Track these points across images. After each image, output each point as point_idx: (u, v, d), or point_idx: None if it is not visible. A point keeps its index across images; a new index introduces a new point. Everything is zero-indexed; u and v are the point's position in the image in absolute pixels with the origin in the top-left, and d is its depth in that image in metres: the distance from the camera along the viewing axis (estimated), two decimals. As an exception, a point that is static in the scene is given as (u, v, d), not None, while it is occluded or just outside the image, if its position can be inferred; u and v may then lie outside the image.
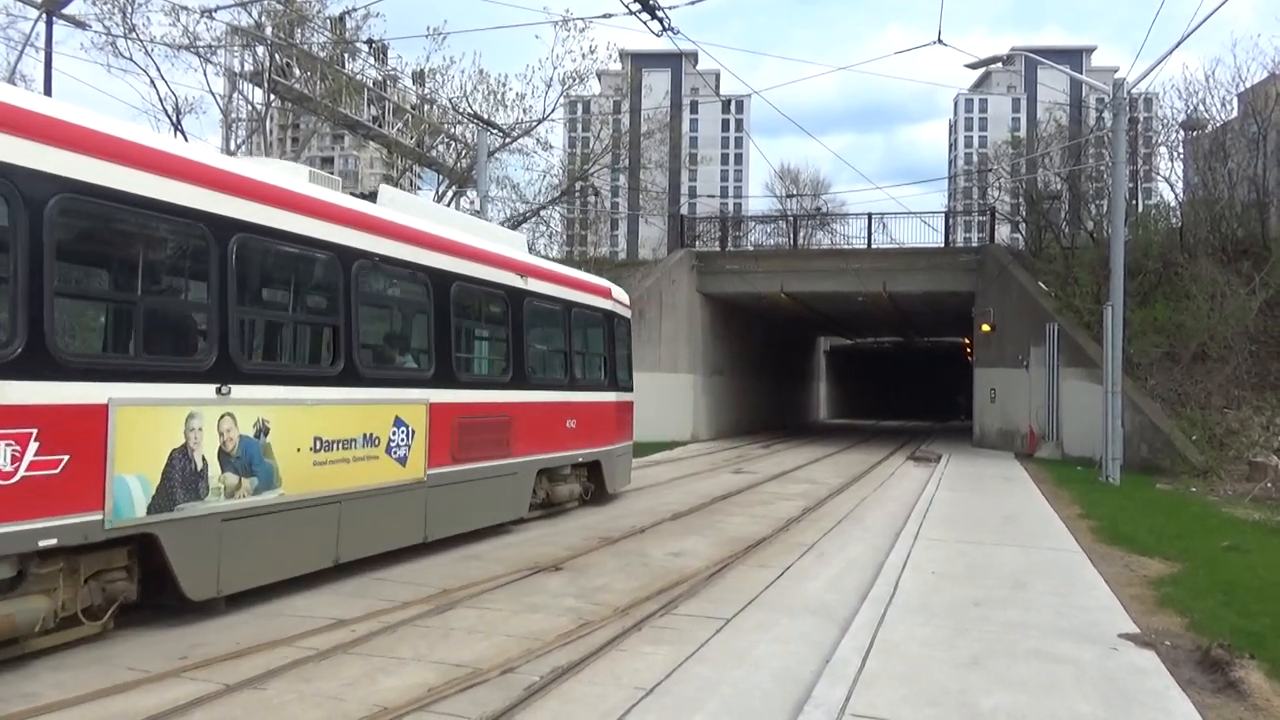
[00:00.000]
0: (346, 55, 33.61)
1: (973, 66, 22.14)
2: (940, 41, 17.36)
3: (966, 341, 38.48)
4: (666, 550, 10.22)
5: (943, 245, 31.74)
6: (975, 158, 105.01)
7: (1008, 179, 37.74)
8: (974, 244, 37.27)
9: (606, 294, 14.19)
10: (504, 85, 31.68)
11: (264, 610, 7.22)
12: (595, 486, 13.81)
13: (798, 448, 29.43)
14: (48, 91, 27.95)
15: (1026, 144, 40.03)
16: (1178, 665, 6.00)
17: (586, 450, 13.22)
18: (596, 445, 13.51)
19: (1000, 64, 30.54)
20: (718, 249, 34.15)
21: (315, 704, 5.20)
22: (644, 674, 5.81)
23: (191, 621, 6.80)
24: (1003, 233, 36.87)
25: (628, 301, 15.55)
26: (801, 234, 38.78)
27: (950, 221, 34.71)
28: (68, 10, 25.93)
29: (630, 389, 15.36)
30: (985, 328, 28.60)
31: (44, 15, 26.31)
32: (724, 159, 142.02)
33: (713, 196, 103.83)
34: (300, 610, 7.21)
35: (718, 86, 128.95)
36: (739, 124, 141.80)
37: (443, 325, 9.73)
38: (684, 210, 56.65)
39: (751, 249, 36.44)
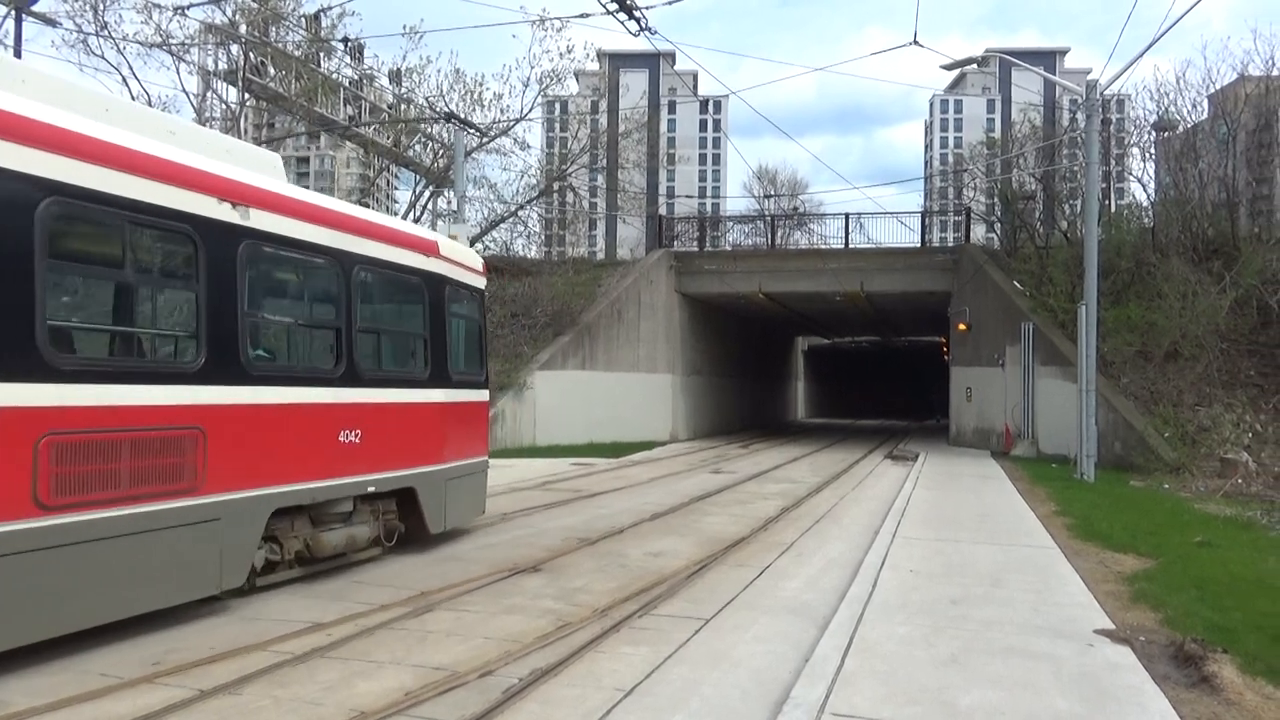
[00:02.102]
0: (322, 54, 33.38)
1: (949, 68, 22.31)
2: (916, 43, 17.48)
3: (943, 341, 38.77)
4: (645, 550, 10.21)
5: (919, 245, 31.98)
6: (951, 158, 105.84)
7: (983, 179, 38.06)
8: (950, 244, 37.56)
9: (431, 250, 10.08)
10: (481, 85, 31.63)
11: (240, 614, 7.14)
12: (414, 523, 9.77)
13: (776, 447, 29.52)
14: (17, 90, 27.41)
15: (1001, 145, 40.38)
16: (1153, 661, 6.06)
17: (386, 474, 9.05)
18: (406, 465, 9.39)
19: (976, 66, 30.81)
20: (696, 249, 34.25)
21: (291, 709, 5.14)
22: (623, 675, 5.79)
23: (166, 626, 6.71)
24: (978, 233, 37.18)
25: (478, 265, 11.65)
26: (779, 234, 38.92)
27: (926, 222, 34.97)
28: (38, 7, 25.59)
29: (480, 385, 11.54)
30: (961, 327, 28.82)
31: (13, 12, 25.95)
32: (702, 159, 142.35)
33: (691, 197, 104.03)
34: (276, 614, 7.13)
35: (695, 87, 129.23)
36: (717, 124, 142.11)
37: (17, 270, 5.70)
38: (662, 210, 56.69)
39: (730, 249, 36.57)
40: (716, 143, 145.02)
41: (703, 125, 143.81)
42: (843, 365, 66.64)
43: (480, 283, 11.65)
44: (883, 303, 35.45)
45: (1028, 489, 16.42)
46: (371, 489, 8.90)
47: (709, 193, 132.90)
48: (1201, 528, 11.83)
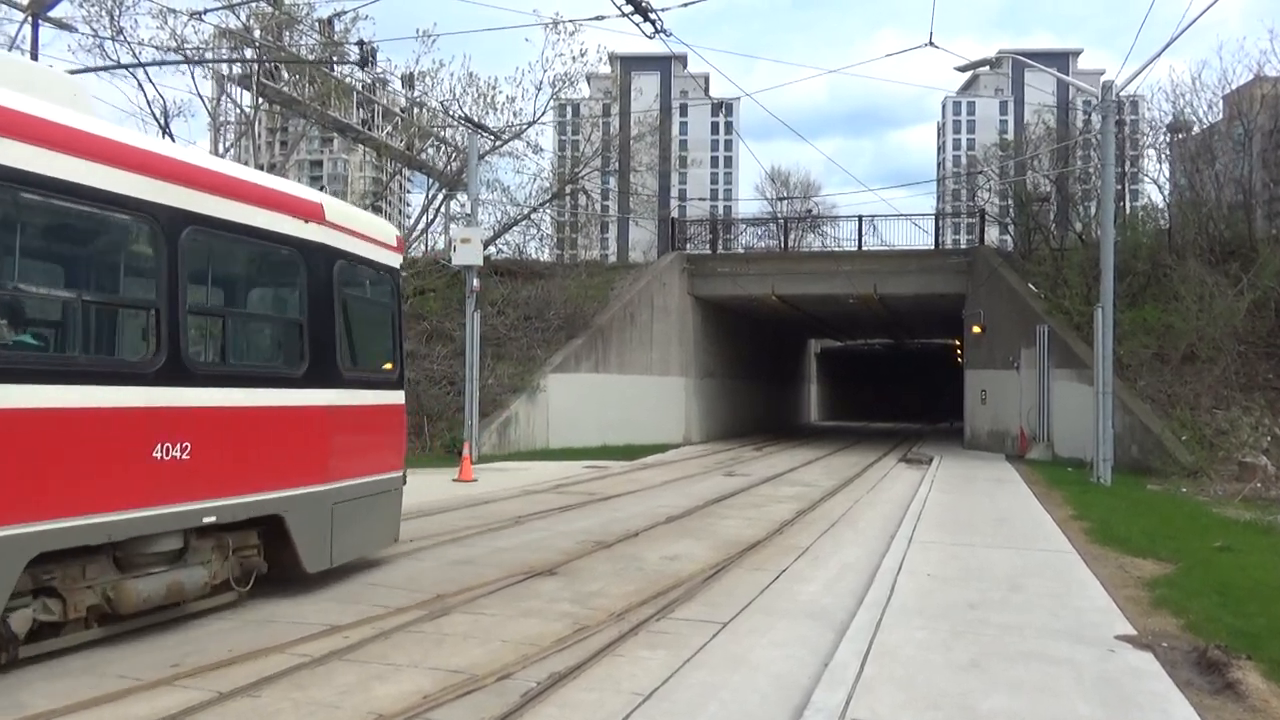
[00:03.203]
0: (335, 58, 33.53)
1: (963, 69, 22.24)
2: (931, 44, 17.45)
3: (957, 343, 38.61)
4: (661, 554, 10.19)
5: (933, 247, 31.86)
6: (964, 160, 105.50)
7: (997, 181, 37.91)
8: (963, 246, 37.42)
9: (312, 214, 7.97)
10: (494, 88, 31.62)
11: (256, 616, 7.16)
12: (287, 557, 7.74)
13: (789, 450, 29.45)
14: (34, 94, 27.63)
15: (1015, 146, 40.22)
16: (1175, 667, 6.00)
17: (234, 499, 7.02)
18: (269, 487, 7.38)
19: (989, 67, 30.67)
20: (708, 252, 34.18)
21: (310, 712, 5.14)
22: (642, 679, 5.77)
23: (184, 628, 6.74)
24: (992, 235, 37.03)
25: (389, 238, 9.36)
26: (792, 236, 38.86)
27: (940, 224, 34.84)
28: (54, 13, 25.78)
29: (391, 384, 9.45)
30: (976, 329, 28.69)
31: (30, 18, 26.15)
32: (714, 162, 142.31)
33: (703, 200, 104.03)
34: (293, 616, 7.15)
35: (707, 88, 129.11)
36: (729, 127, 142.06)
37: None
38: (674, 213, 56.72)
39: (742, 251, 36.50)
40: (728, 145, 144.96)
41: (714, 128, 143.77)
42: (855, 367, 66.46)
43: (393, 260, 9.37)
44: (896, 305, 35.33)
45: (1044, 493, 16.32)
46: (211, 519, 6.79)
47: (720, 195, 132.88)
48: (1221, 532, 11.72)
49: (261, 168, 31.74)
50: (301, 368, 7.94)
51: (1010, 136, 60.48)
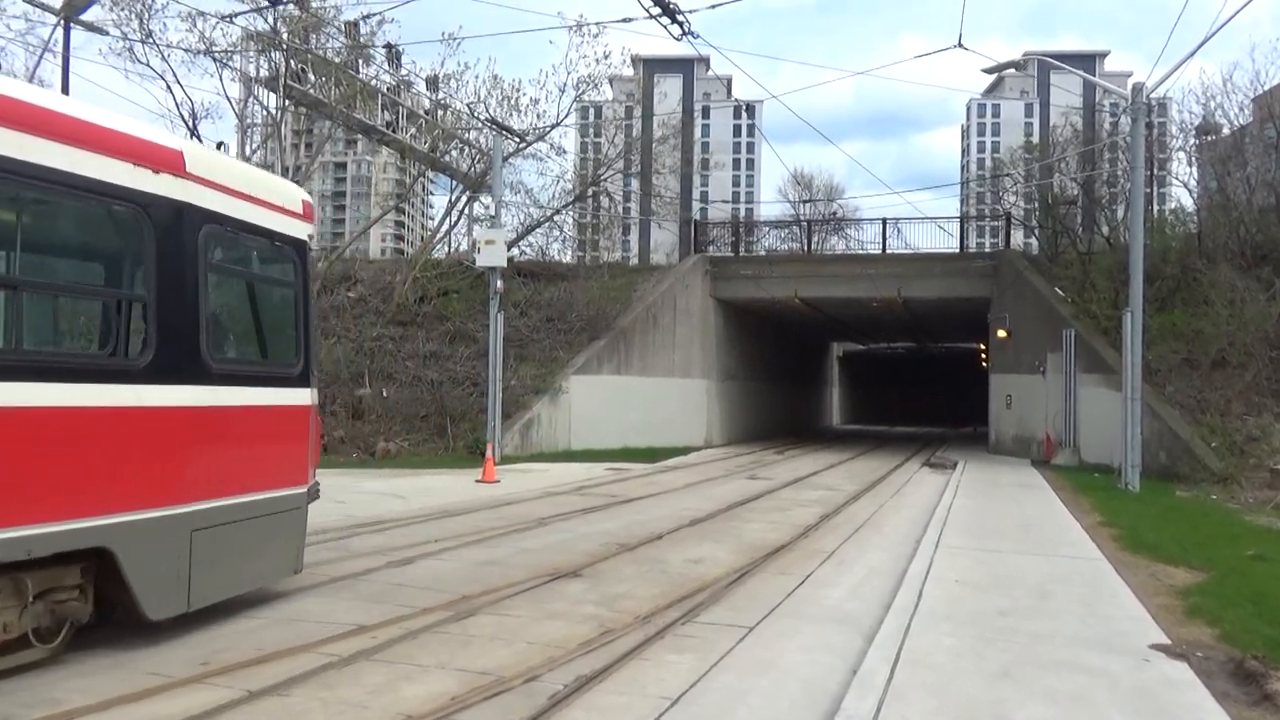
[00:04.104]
0: (360, 60, 33.75)
1: (990, 71, 22.07)
2: (961, 45, 17.28)
3: (981, 347, 38.31)
4: (685, 557, 10.16)
5: (957, 251, 31.65)
6: (988, 163, 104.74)
7: (1023, 184, 37.58)
8: (988, 250, 37.10)
9: (167, 164, 6.31)
10: (518, 90, 31.68)
11: (284, 615, 7.19)
12: (117, 599, 6.13)
13: (812, 453, 29.31)
14: (65, 93, 28.14)
15: (1041, 149, 39.85)
16: (1212, 677, 5.90)
17: (27, 529, 5.38)
18: (86, 511, 5.72)
19: (1015, 69, 30.45)
20: (731, 254, 34.10)
21: (339, 712, 5.15)
22: (669, 683, 5.74)
23: (211, 626, 6.77)
24: (1017, 238, 36.71)
25: (293, 203, 7.66)
26: (815, 239, 38.68)
27: (964, 227, 34.58)
28: (86, 16, 26.12)
29: (289, 380, 7.65)
30: (1001, 334, 28.45)
31: (62, 21, 26.51)
32: (736, 164, 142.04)
33: (725, 202, 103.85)
34: (320, 615, 7.17)
35: (729, 91, 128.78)
36: (751, 129, 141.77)
37: None
38: (696, 215, 56.63)
39: (764, 254, 36.38)
40: (750, 148, 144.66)
41: (737, 130, 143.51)
42: (878, 371, 66.11)
43: (297, 229, 7.65)
44: (920, 308, 35.11)
45: (1071, 498, 16.14)
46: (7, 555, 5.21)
47: (743, 198, 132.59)
48: (1254, 540, 11.54)
49: (287, 169, 32.03)
50: (144, 358, 6.16)
51: (1035, 139, 60.02)
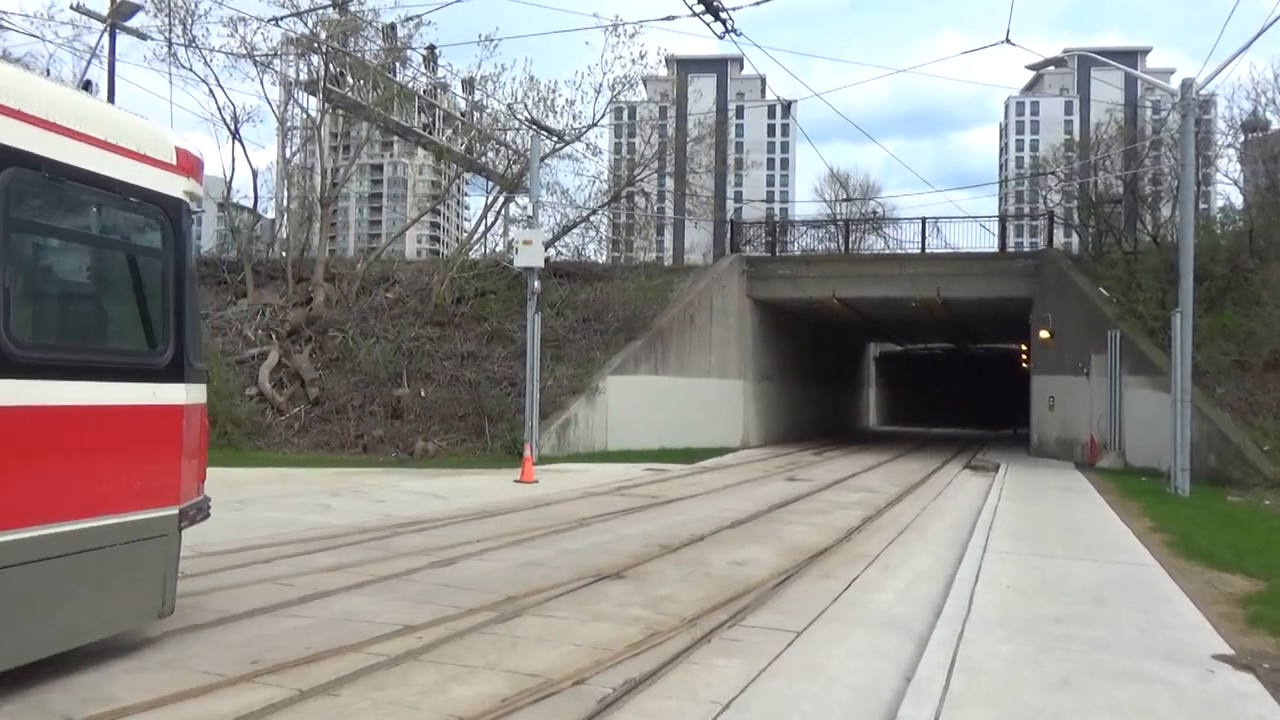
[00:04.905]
0: (398, 63, 34.01)
1: (1034, 68, 21.73)
2: (1008, 41, 17.02)
3: (1023, 348, 37.74)
4: (728, 559, 10.06)
5: (998, 250, 31.19)
6: (1027, 161, 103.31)
7: (1065, 182, 36.97)
8: (1028, 249, 36.52)
9: None
10: (554, 91, 31.72)
11: (330, 615, 7.20)
12: None
13: (850, 455, 29.05)
14: (110, 100, 28.68)
15: (1082, 146, 39.15)
16: (1280, 690, 5.71)
17: None
18: None
19: (1057, 66, 29.97)
20: (767, 254, 33.89)
21: (390, 712, 5.14)
22: (719, 688, 5.67)
23: (259, 624, 6.80)
24: (1058, 237, 36.10)
25: (157, 151, 6.11)
26: (853, 238, 38.32)
27: (1004, 226, 34.08)
28: (131, 22, 26.58)
29: (149, 374, 6.05)
30: (1044, 334, 28.00)
31: (109, 28, 27.00)
32: (770, 164, 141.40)
33: (760, 201, 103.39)
34: (366, 615, 7.17)
35: (764, 91, 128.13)
36: (786, 129, 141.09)
37: None
38: (731, 215, 56.39)
39: (801, 254, 36.14)
40: (785, 147, 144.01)
41: (771, 130, 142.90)
42: (916, 372, 65.43)
43: (168, 184, 6.14)
44: (959, 309, 34.68)
45: (1119, 502, 15.81)
46: None
47: (778, 197, 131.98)
48: (1314, 547, 11.22)
49: (325, 171, 32.38)
50: None
51: (1076, 136, 59.06)
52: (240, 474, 16.86)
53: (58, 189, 5.50)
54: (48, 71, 29.53)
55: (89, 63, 26.77)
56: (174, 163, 6.24)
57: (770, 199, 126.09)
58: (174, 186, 6.21)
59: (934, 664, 5.93)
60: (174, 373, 6.18)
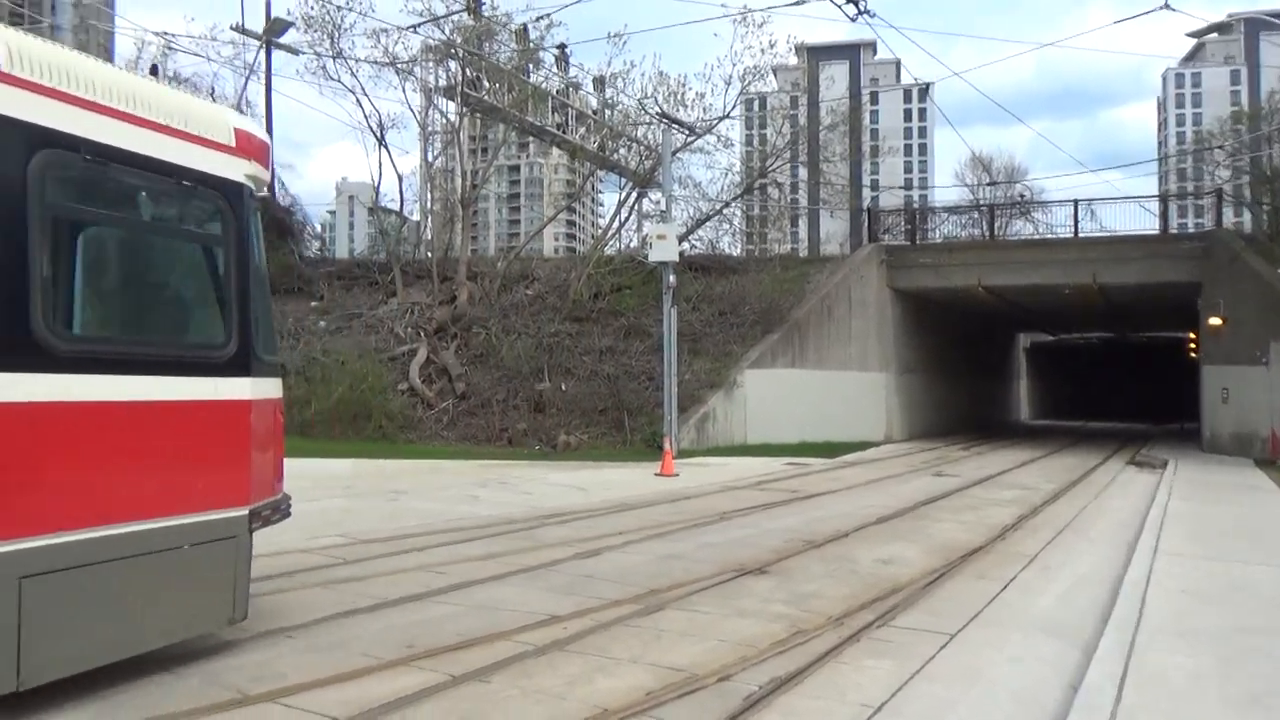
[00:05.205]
0: (531, 65, 34.76)
1: (1195, 35, 20.43)
2: (1167, 6, 15.85)
3: (1191, 336, 35.24)
4: (874, 556, 9.77)
5: (1159, 232, 29.18)
6: (1189, 137, 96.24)
7: (1234, 157, 34.24)
8: (1191, 230, 34.05)
9: None
10: (683, 85, 31.71)
11: (479, 602, 7.38)
12: None
13: (1000, 450, 27.83)
14: (268, 112, 30.52)
15: (1250, 118, 36.15)
16: None
17: None
18: None
19: (1219, 33, 27.66)
20: (907, 242, 32.85)
21: (537, 700, 5.21)
22: (869, 689, 5.48)
23: (414, 610, 7.04)
24: (1227, 217, 33.47)
25: (213, 132, 5.74)
26: (998, 224, 36.66)
27: (1166, 206, 31.86)
28: (284, 39, 28.18)
29: (211, 367, 5.70)
30: (1214, 321, 26.02)
31: (264, 45, 28.71)
32: (907, 150, 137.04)
33: (898, 188, 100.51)
34: (514, 604, 7.32)
35: (899, 75, 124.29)
36: (923, 113, 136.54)
37: None
38: (867, 203, 55.00)
39: (941, 241, 34.84)
40: (923, 132, 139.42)
41: (907, 115, 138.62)
42: (1070, 363, 62.05)
43: (226, 167, 5.77)
44: (1117, 295, 32.63)
45: (1307, 503, 14.52)
46: None
47: (916, 184, 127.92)
48: None
49: (465, 173, 33.44)
50: None
51: (1245, 107, 54.58)
52: (395, 465, 17.60)
53: (101, 172, 5.10)
54: (211, 90, 31.73)
55: (247, 79, 28.59)
56: (233, 145, 5.86)
57: (908, 186, 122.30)
58: (233, 170, 5.84)
59: (1103, 674, 5.56)
60: (238, 366, 5.79)
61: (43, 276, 4.71)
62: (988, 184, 53.51)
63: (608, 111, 36.39)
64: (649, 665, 5.85)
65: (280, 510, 6.33)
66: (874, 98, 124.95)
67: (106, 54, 42.58)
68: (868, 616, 7.15)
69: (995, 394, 47.74)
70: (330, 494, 13.63)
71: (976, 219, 37.65)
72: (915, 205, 72.72)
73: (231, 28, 27.69)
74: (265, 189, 6.31)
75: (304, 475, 15.68)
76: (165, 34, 32.26)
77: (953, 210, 39.29)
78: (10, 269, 4.54)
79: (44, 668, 4.66)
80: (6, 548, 4.45)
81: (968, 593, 8.13)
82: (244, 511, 5.81)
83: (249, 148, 5.98)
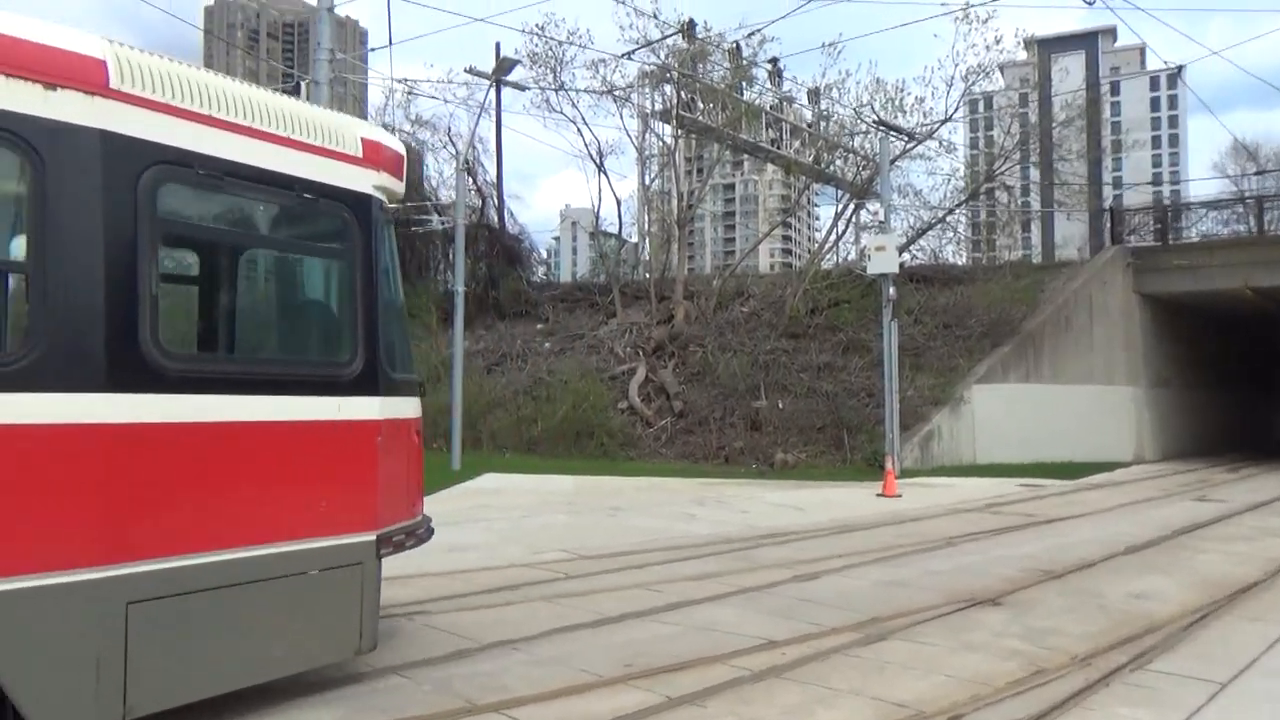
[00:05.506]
0: (743, 83, 34.88)
1: None
2: None
3: None
4: (1124, 590, 8.89)
5: None
6: None
7: None
8: None
9: (74, 79, 4.29)
10: (901, 90, 30.67)
11: (696, 623, 7.36)
12: None
13: (1275, 473, 24.68)
14: (498, 145, 32.41)
15: None
16: None
17: None
18: None
19: None
20: (1156, 243, 29.96)
21: (754, 729, 5.10)
22: (1123, 741, 4.95)
23: (628, 628, 7.12)
24: None
25: (338, 141, 5.52)
26: (1268, 218, 32.68)
27: None
28: (511, 76, 29.91)
29: (335, 386, 5.44)
30: None
31: (493, 84, 30.59)
32: (1155, 142, 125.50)
33: (1144, 185, 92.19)
34: (730, 626, 7.24)
35: (1143, 60, 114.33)
36: (1173, 100, 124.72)
37: None
38: (1109, 203, 50.73)
39: (1200, 239, 31.49)
40: (1173, 121, 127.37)
41: (1154, 104, 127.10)
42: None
43: (353, 179, 5.56)
44: None
45: None
46: None
47: (1166, 178, 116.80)
48: None
49: (681, 194, 33.99)
50: (18, 356, 4.18)
51: None
52: (615, 482, 18.06)
53: (215, 187, 4.99)
54: (448, 129, 34.22)
55: (478, 117, 30.75)
56: (359, 155, 5.65)
57: (1156, 181, 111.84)
58: (360, 181, 5.63)
59: None
60: (364, 385, 5.52)
61: (151, 294, 4.56)
62: (1254, 173, 47.88)
63: (822, 123, 35.84)
64: (871, 699, 5.59)
65: (415, 535, 6.00)
66: (1114, 88, 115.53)
67: (360, 104, 47.04)
68: (1119, 658, 6.48)
69: (1269, 409, 42.47)
70: (553, 510, 14.16)
71: (1241, 213, 33.74)
72: (1166, 202, 66.31)
73: (465, 70, 29.73)
74: (399, 200, 6.06)
75: (529, 491, 16.45)
76: (407, 81, 35.18)
77: (1212, 205, 35.45)
78: (118, 287, 4.41)
79: (153, 696, 4.50)
80: (111, 572, 4.30)
81: (1239, 635, 7.20)
82: (370, 537, 5.51)
83: (378, 158, 5.78)
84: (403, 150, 6.11)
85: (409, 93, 43.39)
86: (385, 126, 38.55)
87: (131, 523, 4.40)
